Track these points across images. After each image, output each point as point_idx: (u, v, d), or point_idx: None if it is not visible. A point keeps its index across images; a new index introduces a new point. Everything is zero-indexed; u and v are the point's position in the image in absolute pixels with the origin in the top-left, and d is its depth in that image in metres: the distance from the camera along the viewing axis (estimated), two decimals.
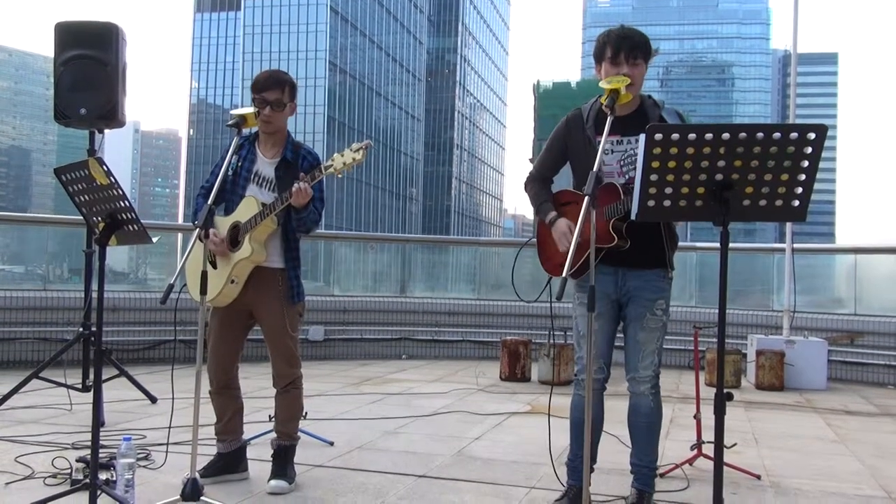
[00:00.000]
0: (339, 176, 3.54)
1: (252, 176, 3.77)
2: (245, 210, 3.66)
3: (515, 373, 7.52)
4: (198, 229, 3.48)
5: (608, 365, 3.41)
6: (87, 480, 3.22)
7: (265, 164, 3.77)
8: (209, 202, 3.46)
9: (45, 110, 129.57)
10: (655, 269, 3.34)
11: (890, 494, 3.93)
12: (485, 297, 9.63)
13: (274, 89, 3.70)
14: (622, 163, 3.31)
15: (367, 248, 10.77)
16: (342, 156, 3.47)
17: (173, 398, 3.63)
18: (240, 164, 3.79)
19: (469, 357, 9.16)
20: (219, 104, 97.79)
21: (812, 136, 2.42)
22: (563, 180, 3.58)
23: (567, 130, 3.47)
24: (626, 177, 3.29)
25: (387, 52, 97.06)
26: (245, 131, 3.75)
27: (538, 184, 3.59)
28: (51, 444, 4.32)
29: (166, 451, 3.93)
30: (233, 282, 3.67)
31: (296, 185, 3.46)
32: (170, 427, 3.85)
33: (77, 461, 3.74)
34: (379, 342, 9.16)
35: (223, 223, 3.74)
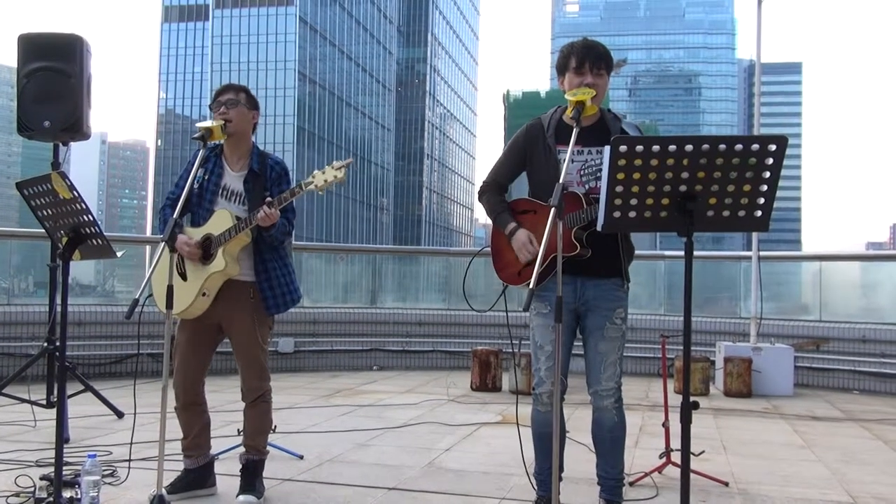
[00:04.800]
0: (321, 193, 3.53)
1: (220, 190, 3.74)
2: (218, 223, 3.63)
3: (486, 383, 7.52)
4: (163, 243, 3.45)
5: (566, 376, 3.41)
6: (52, 499, 3.17)
7: (233, 178, 3.75)
8: (175, 215, 3.44)
9: (9, 121, 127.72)
10: (612, 278, 3.36)
11: (855, 499, 3.99)
12: (455, 308, 9.63)
13: (227, 93, 3.75)
14: (582, 172, 3.34)
15: (337, 259, 10.74)
16: (323, 173, 3.46)
17: (135, 413, 3.59)
18: (206, 177, 3.76)
19: (440, 367, 9.15)
20: (187, 115, 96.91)
21: (773, 147, 2.45)
22: (520, 190, 3.59)
23: (527, 139, 3.48)
24: (587, 186, 3.32)
25: (356, 63, 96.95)
26: (211, 144, 3.73)
27: (494, 193, 3.59)
28: (14, 462, 4.23)
29: (128, 467, 3.88)
30: (204, 294, 3.64)
31: (261, 211, 3.45)
32: (131, 442, 3.80)
33: (41, 479, 3.67)
34: (349, 353, 9.12)
35: (193, 235, 3.71)
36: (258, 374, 3.75)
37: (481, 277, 8.40)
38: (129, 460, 3.92)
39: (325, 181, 3.44)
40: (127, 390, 6.70)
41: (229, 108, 3.69)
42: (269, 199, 3.49)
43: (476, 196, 3.76)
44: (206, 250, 3.64)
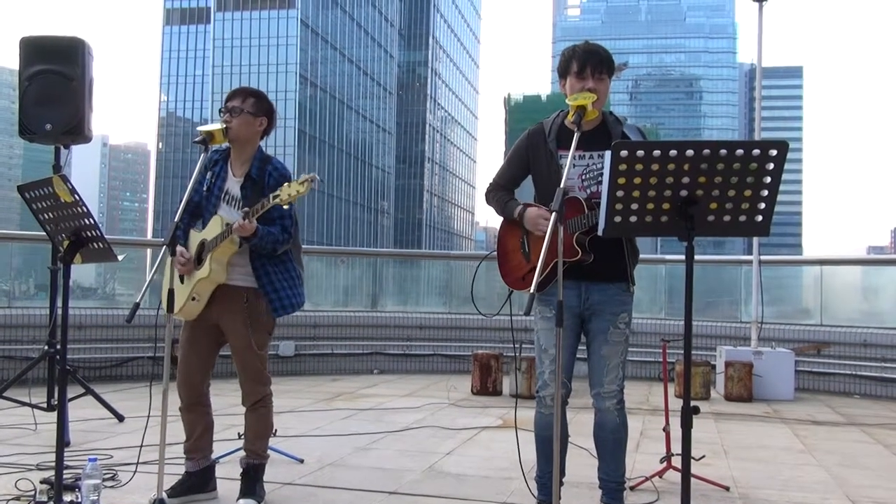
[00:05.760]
0: (285, 206, 3.54)
1: (223, 194, 3.76)
2: (211, 229, 3.66)
3: (487, 387, 7.51)
4: (165, 246, 3.46)
5: (570, 379, 3.41)
6: (52, 502, 3.17)
7: (233, 183, 3.76)
8: (175, 219, 3.45)
9: (10, 124, 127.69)
10: (617, 282, 3.36)
11: None
12: (456, 311, 9.63)
13: (235, 98, 3.74)
14: (584, 177, 3.33)
15: (338, 263, 10.74)
16: (289, 187, 3.49)
17: (149, 416, 3.60)
18: (213, 181, 3.78)
19: (441, 371, 9.14)
20: (188, 118, 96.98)
21: (773, 152, 2.46)
22: (525, 195, 3.59)
23: (529, 144, 3.48)
24: (588, 191, 3.31)
25: (358, 66, 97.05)
26: (216, 147, 3.74)
27: (500, 190, 3.60)
28: (14, 466, 4.23)
29: (134, 471, 3.88)
30: (194, 299, 3.65)
31: (236, 222, 3.46)
32: (141, 445, 3.80)
33: (41, 482, 3.67)
34: (350, 357, 9.12)
35: (194, 239, 3.75)
36: (255, 379, 3.75)
37: (483, 281, 8.39)
38: (137, 463, 3.91)
39: (289, 195, 3.47)
40: (127, 394, 6.70)
41: (233, 115, 3.69)
42: (245, 209, 3.50)
43: (478, 200, 3.77)
44: (200, 255, 3.66)
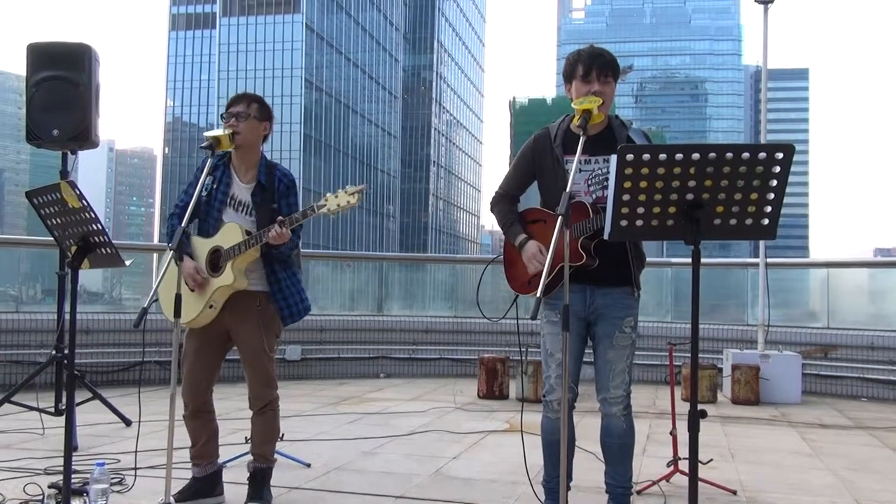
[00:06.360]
0: (333, 216, 3.54)
1: (228, 199, 3.76)
2: (228, 236, 3.64)
3: (493, 390, 7.51)
4: (171, 252, 3.46)
5: (576, 383, 3.41)
6: None
7: (241, 189, 3.76)
8: (182, 225, 3.45)
9: (17, 129, 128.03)
10: (622, 287, 3.36)
11: None
12: (462, 315, 9.63)
13: (238, 104, 3.76)
14: (589, 182, 3.34)
15: (344, 267, 10.75)
16: (336, 197, 3.46)
17: (140, 421, 3.61)
18: (214, 185, 3.78)
19: (447, 375, 9.15)
20: (194, 122, 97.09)
21: (780, 155, 2.45)
22: (532, 199, 3.59)
23: (535, 149, 3.49)
24: (593, 196, 3.32)
25: (363, 70, 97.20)
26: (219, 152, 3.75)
27: (505, 203, 3.60)
28: (22, 470, 4.24)
29: (134, 475, 3.89)
30: (211, 307, 3.65)
31: (274, 230, 3.47)
32: (136, 451, 3.81)
33: (49, 487, 3.69)
34: (356, 361, 9.12)
35: (202, 245, 3.72)
36: (265, 382, 3.76)
37: (489, 285, 8.39)
38: (136, 468, 3.92)
39: (339, 206, 3.45)
40: (134, 398, 6.70)
41: (239, 120, 3.70)
42: (280, 218, 3.50)
43: (483, 203, 3.78)
44: (215, 262, 3.65)
